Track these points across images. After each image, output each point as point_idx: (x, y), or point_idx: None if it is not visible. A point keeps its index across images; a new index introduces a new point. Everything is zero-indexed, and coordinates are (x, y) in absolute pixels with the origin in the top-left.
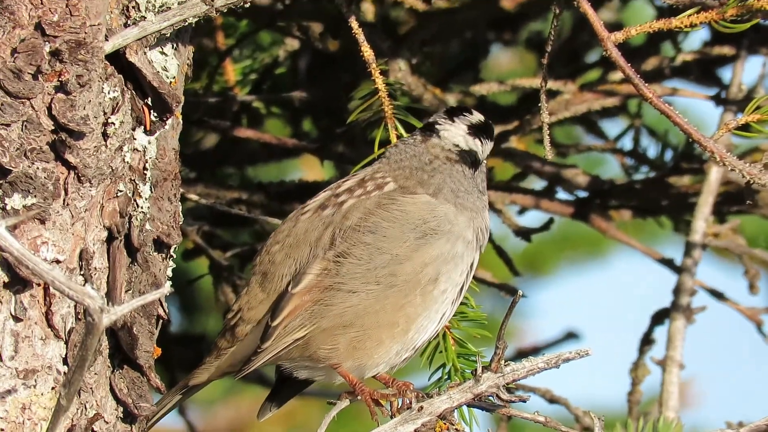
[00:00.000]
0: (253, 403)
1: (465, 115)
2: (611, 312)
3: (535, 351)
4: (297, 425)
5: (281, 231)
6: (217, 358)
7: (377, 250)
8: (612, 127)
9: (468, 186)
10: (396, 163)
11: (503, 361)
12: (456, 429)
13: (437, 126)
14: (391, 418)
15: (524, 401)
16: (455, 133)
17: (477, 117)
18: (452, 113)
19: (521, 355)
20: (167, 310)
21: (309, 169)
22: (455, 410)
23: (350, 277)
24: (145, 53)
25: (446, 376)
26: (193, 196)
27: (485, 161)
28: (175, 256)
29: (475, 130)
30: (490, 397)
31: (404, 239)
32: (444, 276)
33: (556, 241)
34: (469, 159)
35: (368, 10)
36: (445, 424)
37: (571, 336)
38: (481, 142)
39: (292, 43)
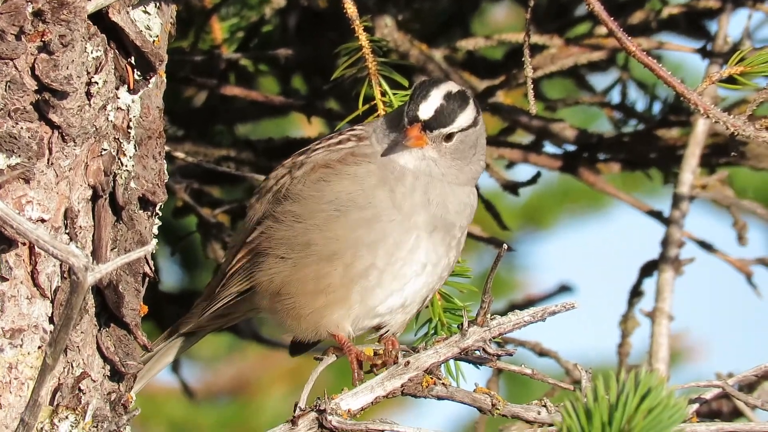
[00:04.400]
0: (256, 361)
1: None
2: (609, 265)
3: (530, 304)
4: (303, 383)
5: (271, 173)
6: (205, 299)
7: (299, 217)
8: (603, 81)
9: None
10: (372, 124)
11: (489, 315)
12: (443, 383)
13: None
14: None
15: (510, 354)
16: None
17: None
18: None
19: (514, 308)
20: (153, 268)
21: (304, 125)
22: (442, 365)
23: (279, 242)
24: (127, 12)
25: (432, 331)
26: (180, 154)
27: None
28: (161, 214)
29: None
30: (477, 351)
31: (321, 210)
32: (365, 249)
33: (556, 195)
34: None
35: None
36: (431, 378)
37: (564, 289)
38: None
39: (279, 1)
